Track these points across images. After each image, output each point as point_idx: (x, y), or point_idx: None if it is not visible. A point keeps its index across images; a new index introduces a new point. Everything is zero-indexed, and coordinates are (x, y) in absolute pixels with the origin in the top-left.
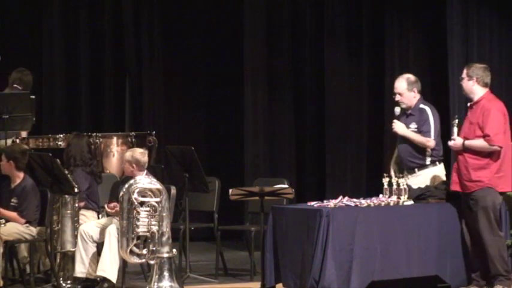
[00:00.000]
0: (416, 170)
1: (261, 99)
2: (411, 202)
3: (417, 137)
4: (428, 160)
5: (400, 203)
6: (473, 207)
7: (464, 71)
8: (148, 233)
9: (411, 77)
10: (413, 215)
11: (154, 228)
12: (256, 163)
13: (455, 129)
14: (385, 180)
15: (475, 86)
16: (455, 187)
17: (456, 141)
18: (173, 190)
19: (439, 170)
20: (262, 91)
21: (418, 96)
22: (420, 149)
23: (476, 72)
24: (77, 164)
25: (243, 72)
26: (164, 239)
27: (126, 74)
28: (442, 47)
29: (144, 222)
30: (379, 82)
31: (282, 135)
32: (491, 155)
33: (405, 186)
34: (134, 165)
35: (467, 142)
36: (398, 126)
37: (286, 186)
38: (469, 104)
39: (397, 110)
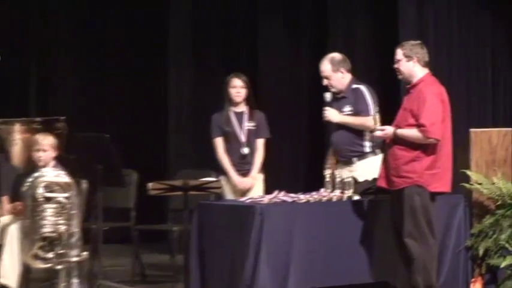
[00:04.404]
0: (355, 159)
1: (186, 80)
2: (357, 197)
3: (355, 119)
4: (368, 147)
5: (345, 199)
6: (399, 208)
7: (400, 52)
8: (55, 234)
9: (336, 55)
10: (360, 212)
11: (62, 228)
12: (180, 153)
13: (377, 117)
14: (327, 172)
15: (416, 66)
16: (381, 183)
17: (386, 129)
18: (84, 184)
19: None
20: (189, 71)
21: (347, 76)
22: (359, 135)
23: (415, 50)
24: None
25: (167, 51)
26: (73, 240)
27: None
28: (393, 26)
29: (50, 221)
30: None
31: (210, 121)
32: (424, 147)
33: (350, 179)
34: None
35: (399, 131)
36: (332, 114)
37: (214, 179)
38: (406, 87)
39: (328, 95)
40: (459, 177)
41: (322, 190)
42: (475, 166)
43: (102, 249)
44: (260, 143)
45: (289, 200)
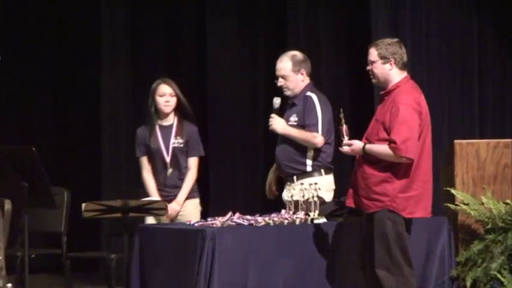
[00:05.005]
0: (294, 178)
1: (123, 83)
2: (323, 220)
3: (300, 134)
4: (309, 166)
5: (309, 221)
6: (369, 234)
7: (374, 52)
8: None
9: (298, 54)
10: (327, 236)
11: None
12: (118, 169)
13: (344, 128)
14: (289, 190)
15: (393, 69)
16: (350, 203)
17: (354, 144)
18: (7, 205)
19: (326, 182)
20: (125, 73)
21: (307, 80)
22: (301, 151)
23: (392, 50)
24: None
25: (100, 48)
26: None
27: None
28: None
29: None
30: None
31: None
32: (397, 166)
33: (316, 199)
34: None
35: (368, 146)
36: (277, 123)
37: (157, 199)
38: (380, 94)
39: (277, 101)
40: (442, 196)
41: (283, 211)
42: (461, 183)
43: (29, 280)
44: (192, 162)
45: (245, 223)
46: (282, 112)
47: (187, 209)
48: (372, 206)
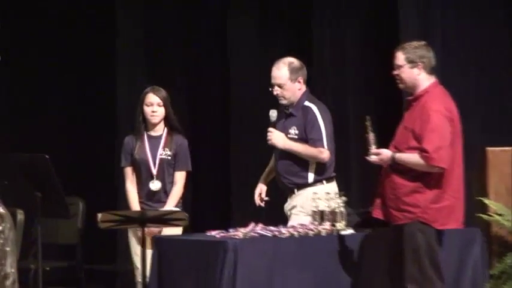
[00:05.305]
0: (295, 190)
1: (140, 90)
2: (351, 231)
3: (305, 149)
4: (311, 178)
5: (335, 232)
6: (398, 247)
7: (401, 56)
8: None
9: (294, 61)
10: (354, 249)
11: None
12: None
13: (371, 136)
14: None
15: (421, 74)
16: (377, 213)
17: (382, 153)
18: (20, 215)
19: (326, 189)
20: (141, 80)
21: (303, 88)
22: (303, 165)
23: (421, 53)
24: None
25: (115, 55)
26: (8, 283)
27: None
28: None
29: None
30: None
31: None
32: (429, 175)
33: (342, 209)
34: None
35: (397, 155)
36: (277, 137)
37: (177, 209)
38: (407, 100)
39: (273, 114)
40: (474, 206)
41: (307, 222)
42: (494, 193)
43: None
44: (179, 176)
45: (269, 234)
46: (275, 122)
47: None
48: (402, 217)
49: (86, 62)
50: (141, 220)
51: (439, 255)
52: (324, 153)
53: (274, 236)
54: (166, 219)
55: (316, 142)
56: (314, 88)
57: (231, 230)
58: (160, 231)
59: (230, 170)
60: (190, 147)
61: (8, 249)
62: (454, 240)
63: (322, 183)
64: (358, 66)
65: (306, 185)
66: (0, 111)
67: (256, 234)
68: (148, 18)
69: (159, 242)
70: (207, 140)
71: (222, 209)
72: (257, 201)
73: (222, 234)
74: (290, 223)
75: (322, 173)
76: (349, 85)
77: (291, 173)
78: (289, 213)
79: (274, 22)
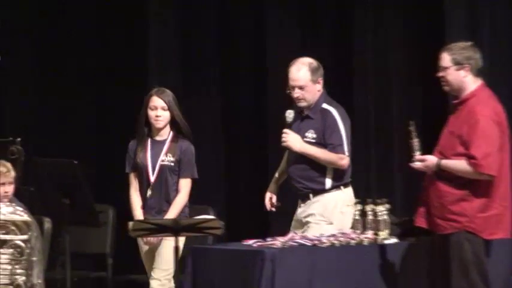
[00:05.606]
0: (310, 195)
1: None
2: (395, 240)
3: (324, 154)
4: (328, 184)
5: (379, 241)
6: (444, 257)
7: (447, 57)
8: (11, 286)
9: (313, 62)
10: (398, 259)
11: (20, 280)
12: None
13: (415, 142)
14: (356, 208)
15: (468, 76)
16: (421, 222)
17: (428, 160)
18: (47, 224)
19: (346, 197)
20: (174, 81)
21: (321, 90)
22: (320, 170)
23: (467, 54)
24: None
25: (147, 57)
26: None
27: None
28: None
29: (5, 271)
30: (346, 62)
31: (205, 140)
32: (476, 183)
33: (386, 217)
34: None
35: (443, 162)
36: (293, 140)
37: (212, 217)
38: (452, 103)
39: (290, 115)
40: None
41: (349, 230)
42: None
43: None
44: (183, 184)
45: (308, 243)
46: (292, 123)
47: (164, 246)
48: (448, 226)
49: (118, 69)
50: (175, 229)
51: (487, 266)
52: (344, 159)
53: (314, 245)
54: (201, 228)
55: (336, 148)
56: (355, 93)
57: (268, 239)
58: (159, 241)
59: (268, 177)
60: (226, 154)
61: (34, 258)
62: (502, 250)
63: (340, 189)
64: (401, 66)
65: (323, 191)
66: (31, 116)
67: (295, 243)
68: (182, 23)
69: (195, 252)
70: (243, 146)
71: (260, 217)
72: (268, 206)
73: (259, 244)
74: (310, 232)
75: (340, 178)
76: (393, 87)
77: (306, 178)
78: (304, 220)
79: (315, 29)
